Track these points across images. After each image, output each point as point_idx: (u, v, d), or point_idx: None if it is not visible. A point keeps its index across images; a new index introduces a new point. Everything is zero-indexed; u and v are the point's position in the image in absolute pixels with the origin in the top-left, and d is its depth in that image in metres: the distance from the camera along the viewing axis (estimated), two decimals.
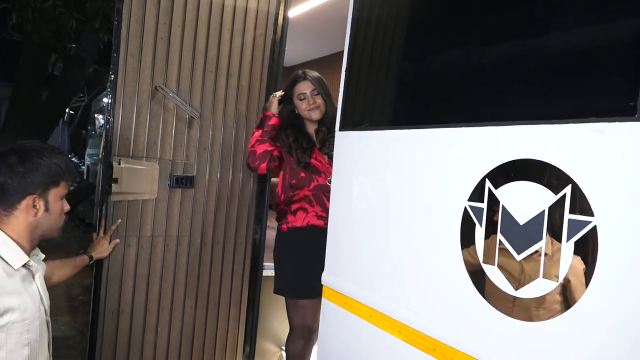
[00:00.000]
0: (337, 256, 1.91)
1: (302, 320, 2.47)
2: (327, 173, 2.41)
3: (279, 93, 2.55)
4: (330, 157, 2.34)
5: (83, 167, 13.90)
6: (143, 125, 2.44)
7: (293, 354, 2.54)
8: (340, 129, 1.91)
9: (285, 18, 2.73)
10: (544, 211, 1.16)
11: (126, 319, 2.49)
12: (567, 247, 1.11)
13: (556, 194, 1.13)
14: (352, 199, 1.86)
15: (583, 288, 1.08)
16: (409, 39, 1.71)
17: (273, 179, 2.69)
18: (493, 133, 1.30)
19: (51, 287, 1.87)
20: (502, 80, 1.36)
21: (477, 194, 1.32)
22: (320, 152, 2.48)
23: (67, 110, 16.41)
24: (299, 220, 2.44)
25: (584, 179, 1.09)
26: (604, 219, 1.05)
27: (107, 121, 2.39)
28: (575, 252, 1.10)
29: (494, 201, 1.27)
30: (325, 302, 1.93)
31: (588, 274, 1.07)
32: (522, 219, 1.20)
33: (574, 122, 1.12)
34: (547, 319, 1.15)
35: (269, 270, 2.78)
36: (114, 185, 2.36)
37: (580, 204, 1.09)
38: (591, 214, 1.07)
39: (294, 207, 2.45)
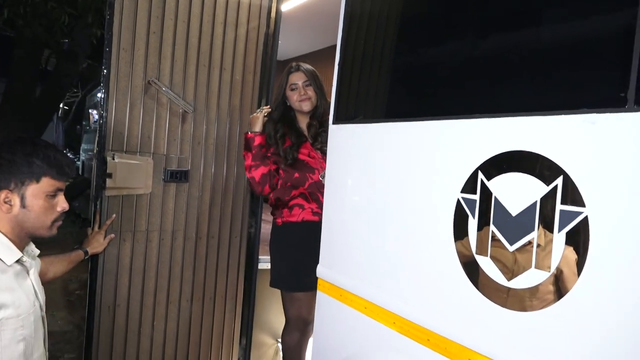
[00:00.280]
0: (331, 249, 1.92)
1: (297, 313, 2.49)
2: (321, 169, 2.41)
3: (266, 109, 2.52)
4: (324, 153, 2.33)
5: (78, 163, 13.85)
6: (136, 119, 2.43)
7: (289, 346, 2.55)
8: (334, 123, 1.91)
9: (278, 11, 2.72)
10: (535, 202, 1.16)
11: (122, 313, 2.49)
12: (559, 237, 1.12)
13: (548, 185, 1.14)
14: (346, 191, 1.86)
15: (575, 278, 1.09)
16: (401, 32, 1.71)
17: None
18: (485, 125, 1.31)
19: (47, 283, 1.87)
20: (493, 72, 1.37)
21: (469, 186, 1.32)
22: (313, 147, 2.47)
23: (61, 105, 16.33)
24: (294, 215, 2.45)
25: (575, 170, 1.10)
26: (595, 210, 1.06)
27: (100, 116, 2.38)
28: (567, 243, 1.11)
29: (486, 193, 1.27)
30: (320, 295, 1.94)
31: (580, 264, 1.08)
32: (514, 210, 1.21)
33: (565, 114, 1.13)
34: (540, 308, 1.16)
35: (264, 264, 2.79)
36: (108, 180, 2.35)
37: (572, 194, 1.10)
38: (582, 205, 1.08)
39: (290, 203, 2.45)
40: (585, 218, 1.07)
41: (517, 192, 1.21)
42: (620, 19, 1.08)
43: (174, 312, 2.61)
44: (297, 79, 2.47)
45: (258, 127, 2.45)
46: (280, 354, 2.88)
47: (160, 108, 2.49)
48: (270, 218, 2.60)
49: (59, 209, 1.65)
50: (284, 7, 2.87)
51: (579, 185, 1.09)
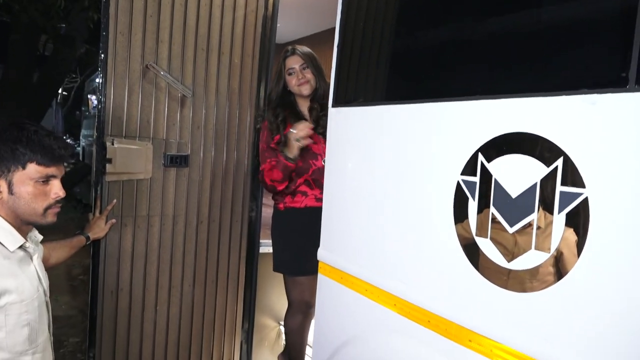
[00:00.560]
0: (332, 232, 1.92)
1: (300, 296, 2.50)
2: (324, 154, 2.37)
3: (303, 133, 2.28)
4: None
5: (78, 149, 13.84)
6: (135, 104, 2.42)
7: (292, 329, 2.57)
8: (333, 105, 1.90)
9: None
10: (535, 184, 1.16)
11: (125, 297, 2.51)
12: (559, 218, 1.12)
13: (548, 166, 1.14)
14: (346, 174, 1.86)
15: (575, 259, 1.10)
16: (400, 14, 1.69)
17: None
18: (485, 107, 1.30)
19: (50, 268, 1.88)
20: (493, 53, 1.35)
21: (470, 168, 1.32)
22: (316, 132, 2.41)
23: (60, 91, 16.27)
24: (297, 202, 2.44)
25: (575, 151, 1.10)
26: (595, 191, 1.06)
27: (99, 101, 2.37)
28: (567, 224, 1.11)
29: (486, 175, 1.27)
30: (321, 278, 1.95)
31: (580, 245, 1.09)
32: (514, 192, 1.21)
33: (565, 94, 1.12)
34: (540, 290, 1.17)
35: (265, 247, 2.80)
36: (108, 166, 2.35)
37: (572, 175, 1.10)
38: (582, 186, 1.08)
39: (293, 190, 2.44)
40: (585, 199, 1.07)
41: (517, 173, 1.20)
42: None
43: (176, 297, 2.63)
44: (294, 62, 2.44)
45: (294, 154, 2.31)
46: (283, 336, 2.90)
47: (159, 92, 2.47)
48: (271, 202, 2.60)
49: (52, 195, 1.60)
50: None
51: (579, 167, 1.08)
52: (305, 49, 2.48)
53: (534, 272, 1.18)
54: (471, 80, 1.40)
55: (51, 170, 1.59)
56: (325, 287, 1.92)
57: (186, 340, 2.69)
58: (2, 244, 1.54)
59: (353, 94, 1.86)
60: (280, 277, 2.60)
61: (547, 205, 1.14)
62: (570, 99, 1.11)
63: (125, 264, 2.49)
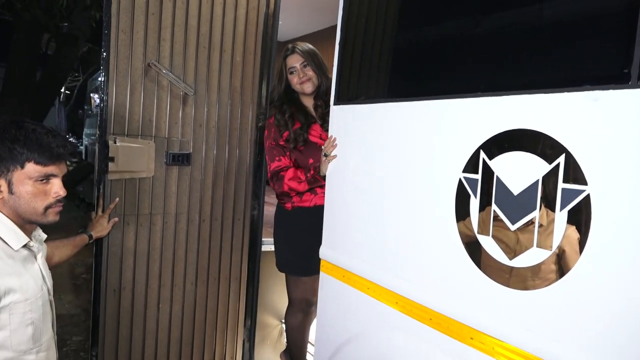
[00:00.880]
0: (334, 230, 1.92)
1: (302, 295, 2.49)
2: None
3: (331, 157, 2.04)
4: None
5: (81, 147, 13.88)
6: (137, 102, 2.42)
7: (292, 327, 2.57)
8: (335, 103, 1.90)
9: None
10: (537, 181, 1.16)
11: (128, 295, 2.51)
12: (561, 216, 1.12)
13: (550, 163, 1.14)
14: (349, 172, 1.86)
15: (577, 256, 1.09)
16: (402, 12, 1.69)
17: None
18: (487, 104, 1.30)
19: (52, 267, 1.89)
20: (495, 50, 1.35)
21: (471, 165, 1.32)
22: (323, 129, 2.40)
23: (62, 90, 16.30)
24: (306, 201, 2.41)
25: (577, 148, 1.09)
26: (597, 188, 1.06)
27: (101, 99, 2.37)
28: (569, 221, 1.11)
29: (488, 172, 1.27)
30: (323, 276, 1.95)
31: (582, 242, 1.08)
32: (516, 189, 1.21)
33: (567, 91, 1.12)
34: (542, 287, 1.17)
35: (267, 245, 2.80)
36: (110, 164, 2.36)
37: (574, 172, 1.09)
38: (585, 183, 1.07)
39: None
40: (587, 196, 1.07)
41: (519, 171, 1.20)
42: None
43: (178, 295, 2.64)
44: (294, 61, 2.42)
45: (325, 171, 2.12)
46: (285, 334, 2.91)
47: (161, 91, 2.47)
48: (273, 200, 2.59)
49: (53, 195, 1.59)
50: None
51: (581, 164, 1.08)
52: (305, 46, 2.46)
53: (535, 270, 1.18)
54: (473, 77, 1.40)
55: (50, 169, 1.57)
56: (327, 285, 1.93)
57: (188, 338, 2.70)
58: (6, 243, 1.54)
59: (355, 91, 1.86)
60: (282, 274, 2.60)
61: (549, 203, 1.14)
62: (572, 96, 1.11)
63: (127, 263, 2.49)
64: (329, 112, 2.35)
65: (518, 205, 1.20)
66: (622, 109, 1.03)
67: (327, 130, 2.35)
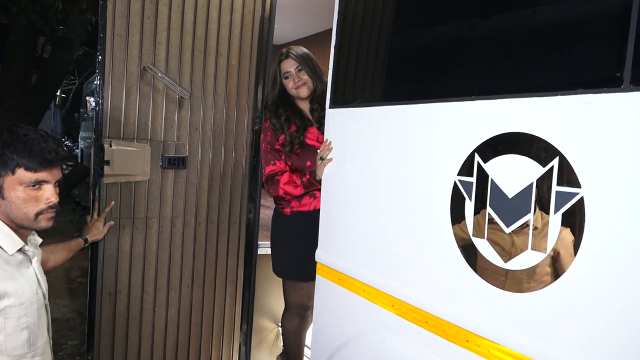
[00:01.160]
0: (330, 233, 1.92)
1: (299, 300, 2.48)
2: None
3: (326, 160, 2.07)
4: None
5: (77, 151, 13.84)
6: (133, 106, 2.42)
7: (289, 331, 2.57)
8: (331, 107, 1.90)
9: None
10: (532, 184, 1.17)
11: (123, 299, 2.51)
12: (555, 218, 1.12)
13: (544, 166, 1.14)
14: (344, 175, 1.86)
15: (571, 258, 1.10)
16: (397, 15, 1.69)
17: None
18: (481, 107, 1.30)
19: (48, 271, 1.88)
20: (489, 54, 1.36)
21: (466, 169, 1.32)
22: (320, 132, 2.38)
23: (58, 93, 16.25)
24: (305, 205, 2.40)
25: (571, 151, 1.10)
26: (591, 190, 1.06)
27: (96, 103, 2.37)
28: (563, 224, 1.11)
29: (483, 175, 1.28)
30: (319, 279, 1.95)
31: (576, 245, 1.09)
32: (510, 192, 1.21)
33: (561, 94, 1.13)
34: (537, 289, 1.17)
35: (264, 249, 2.80)
36: (106, 168, 2.35)
37: (568, 175, 1.10)
38: (578, 186, 1.08)
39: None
40: (581, 199, 1.08)
41: (513, 174, 1.21)
42: None
43: (174, 298, 2.63)
44: (289, 66, 2.42)
45: (321, 175, 2.13)
46: (281, 338, 2.90)
47: (157, 94, 2.47)
48: (268, 203, 2.58)
49: (44, 201, 1.57)
50: None
51: (575, 167, 1.09)
52: (299, 50, 2.45)
53: (530, 272, 1.18)
54: (467, 81, 1.41)
55: (41, 175, 1.55)
56: (324, 289, 1.93)
57: (185, 342, 2.69)
58: (1, 247, 1.54)
59: (350, 95, 1.87)
60: (278, 278, 2.59)
61: (543, 206, 1.15)
62: (565, 99, 1.12)
63: (123, 266, 2.49)
64: (324, 115, 2.36)
65: (512, 208, 1.21)
66: (615, 112, 1.03)
67: (323, 133, 2.36)
